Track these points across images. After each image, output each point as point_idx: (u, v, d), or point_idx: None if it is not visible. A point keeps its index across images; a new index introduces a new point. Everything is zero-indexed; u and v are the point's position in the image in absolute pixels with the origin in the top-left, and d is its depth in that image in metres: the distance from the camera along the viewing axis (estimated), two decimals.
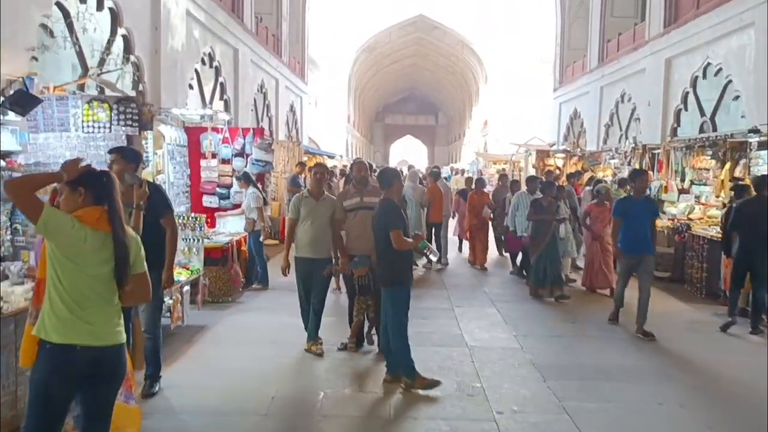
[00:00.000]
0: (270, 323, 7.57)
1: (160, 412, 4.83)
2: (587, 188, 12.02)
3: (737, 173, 10.18)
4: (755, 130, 9.77)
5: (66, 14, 8.68)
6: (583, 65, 24.03)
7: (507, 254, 12.28)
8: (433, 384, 5.34)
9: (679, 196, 12.02)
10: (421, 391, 5.28)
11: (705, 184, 11.71)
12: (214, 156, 10.49)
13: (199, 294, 7.52)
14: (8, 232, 5.77)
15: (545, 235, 9.07)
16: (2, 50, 6.57)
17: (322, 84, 33.46)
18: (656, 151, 13.46)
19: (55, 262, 2.92)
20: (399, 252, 5.32)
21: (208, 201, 10.43)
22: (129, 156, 5.04)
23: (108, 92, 9.15)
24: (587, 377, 5.84)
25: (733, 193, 8.60)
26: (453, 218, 13.88)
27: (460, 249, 14.01)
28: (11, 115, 6.04)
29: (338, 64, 36.15)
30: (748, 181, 8.89)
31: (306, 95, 27.46)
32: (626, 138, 19.19)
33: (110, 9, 9.96)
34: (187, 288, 6.97)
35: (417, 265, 10.94)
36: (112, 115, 6.90)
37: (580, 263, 10.73)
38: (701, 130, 14.29)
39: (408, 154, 66.48)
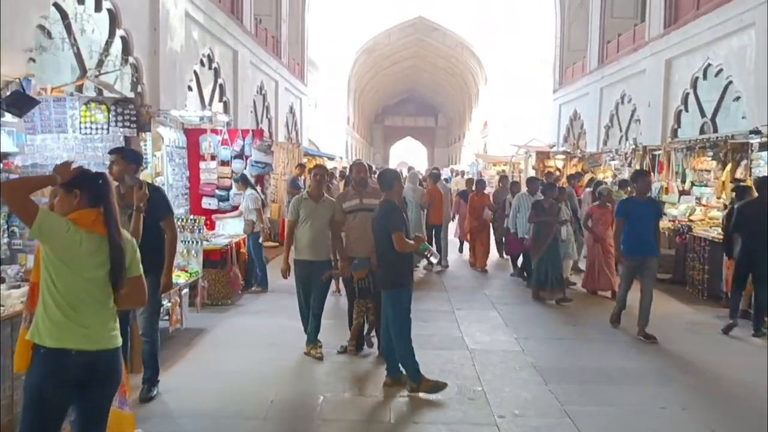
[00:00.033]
0: (269, 326, 7.53)
1: (158, 416, 4.79)
2: (587, 189, 11.99)
3: (738, 174, 10.14)
4: (756, 131, 9.73)
5: (64, 15, 8.64)
6: (583, 66, 24.00)
7: (507, 256, 12.23)
8: (439, 386, 5.29)
9: (679, 198, 11.99)
10: (422, 395, 5.24)
11: (706, 186, 11.68)
12: (213, 158, 10.43)
13: (198, 297, 7.49)
14: (5, 235, 5.74)
15: (547, 237, 9.02)
16: (0, 51, 6.54)
17: (321, 85, 33.45)
18: (657, 153, 13.43)
19: (49, 266, 2.88)
20: (400, 254, 5.28)
21: (207, 203, 10.38)
22: (129, 157, 5.01)
23: (106, 93, 9.11)
24: (589, 380, 5.80)
25: (734, 194, 8.56)
26: (453, 221, 13.85)
27: (460, 250, 13.97)
28: (8, 117, 5.99)
29: (338, 66, 36.12)
30: (749, 183, 8.86)
31: (306, 97, 27.43)
32: (626, 139, 19.18)
33: (108, 10, 9.92)
34: (185, 291, 6.95)
35: (418, 267, 10.91)
36: (110, 116, 6.85)
37: (582, 266, 10.67)
38: (702, 131, 14.26)
39: (408, 155, 66.45)
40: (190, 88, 13.60)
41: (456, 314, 8.24)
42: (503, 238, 12.16)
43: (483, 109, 40.30)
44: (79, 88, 8.71)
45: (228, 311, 8.11)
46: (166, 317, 6.40)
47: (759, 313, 7.41)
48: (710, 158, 11.32)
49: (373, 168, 19.64)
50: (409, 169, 18.78)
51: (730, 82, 13.23)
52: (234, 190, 10.13)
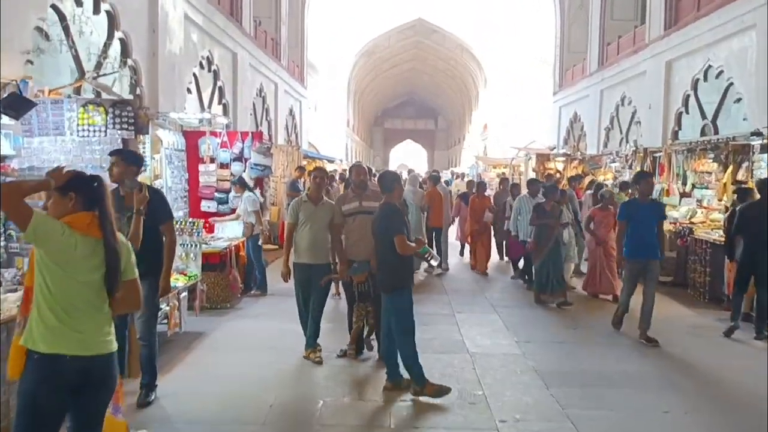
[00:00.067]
0: (269, 329, 7.49)
1: (156, 422, 4.74)
2: (588, 192, 11.95)
3: (740, 176, 10.10)
4: (757, 133, 9.70)
5: (62, 17, 8.60)
6: (583, 68, 23.95)
7: (507, 259, 12.18)
8: (443, 391, 5.23)
9: (680, 200, 11.95)
10: (423, 399, 5.19)
11: (707, 188, 11.64)
12: (212, 160, 10.39)
13: (197, 300, 7.44)
14: (2, 239, 5.69)
15: (548, 240, 8.96)
16: None
17: (321, 88, 33.44)
18: (657, 155, 13.40)
19: (43, 270, 2.83)
20: (401, 257, 5.24)
21: (207, 206, 10.33)
22: (129, 159, 4.97)
23: (104, 96, 9.07)
24: (590, 384, 5.75)
25: (736, 196, 8.52)
26: (453, 223, 13.79)
27: (461, 253, 13.92)
28: (5, 119, 5.95)
29: (337, 68, 36.11)
30: (751, 185, 8.82)
31: (305, 99, 27.41)
32: (627, 141, 19.13)
33: (107, 12, 9.88)
34: (184, 294, 6.90)
35: (418, 269, 10.87)
36: (108, 118, 6.80)
37: (584, 269, 10.60)
38: (703, 133, 14.21)
39: (408, 158, 66.42)
40: (189, 91, 13.56)
41: (456, 317, 8.19)
42: (504, 242, 12.11)
43: (483, 111, 40.27)
44: (78, 90, 8.67)
45: (227, 315, 8.07)
46: (165, 321, 6.37)
47: (761, 316, 7.36)
48: (711, 160, 11.28)
49: (373, 170, 19.60)
50: (409, 171, 18.74)
51: (731, 83, 13.18)
52: (233, 192, 10.08)
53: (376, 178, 8.53)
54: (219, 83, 15.79)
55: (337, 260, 6.34)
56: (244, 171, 10.29)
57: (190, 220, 8.07)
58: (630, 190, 10.75)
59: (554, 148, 23.90)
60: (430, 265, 11.16)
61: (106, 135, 6.80)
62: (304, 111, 27.03)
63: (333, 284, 7.47)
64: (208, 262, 8.05)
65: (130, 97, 10.28)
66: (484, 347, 6.85)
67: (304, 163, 16.67)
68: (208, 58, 14.86)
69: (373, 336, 6.33)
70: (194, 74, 13.97)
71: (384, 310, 5.54)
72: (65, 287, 2.85)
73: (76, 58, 9.13)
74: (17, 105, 5.93)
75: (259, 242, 9.32)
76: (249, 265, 9.34)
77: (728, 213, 8.32)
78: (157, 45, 11.34)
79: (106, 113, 6.84)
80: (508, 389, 5.55)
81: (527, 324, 7.98)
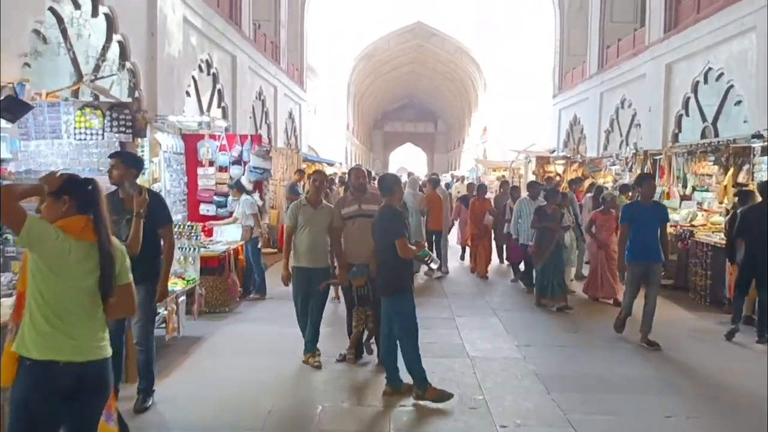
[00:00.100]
0: (268, 333, 7.45)
1: (153, 427, 4.70)
2: (588, 195, 11.91)
3: (740, 179, 10.08)
4: (758, 135, 9.67)
5: (60, 20, 8.57)
6: (583, 71, 23.94)
7: (507, 262, 12.12)
8: (445, 396, 5.18)
9: (681, 203, 11.91)
10: (423, 403, 5.14)
11: (707, 191, 11.61)
12: (211, 164, 10.36)
13: (195, 304, 7.39)
14: None
15: (550, 243, 8.91)
16: None
17: (321, 91, 33.43)
18: (658, 157, 13.36)
19: (36, 274, 2.79)
20: (401, 260, 5.21)
21: (205, 209, 10.29)
22: (129, 161, 4.94)
23: (102, 98, 9.03)
24: (592, 389, 5.70)
25: (737, 199, 8.48)
26: (453, 227, 13.74)
27: (462, 257, 13.85)
28: (2, 122, 5.91)
29: (337, 71, 36.13)
30: (752, 187, 8.78)
31: (305, 102, 27.38)
32: (627, 144, 19.11)
33: (105, 15, 9.84)
34: (182, 298, 6.84)
35: (418, 272, 10.83)
36: (105, 121, 6.76)
37: (585, 272, 10.55)
38: (703, 136, 14.18)
39: (407, 161, 66.33)
40: (188, 94, 13.53)
41: (456, 321, 8.14)
42: (504, 245, 12.05)
43: (482, 114, 40.28)
44: (75, 93, 8.64)
45: (226, 319, 8.03)
46: (163, 325, 6.31)
47: (762, 319, 7.32)
48: (712, 163, 11.26)
49: (372, 173, 19.57)
50: (409, 174, 18.70)
51: (731, 86, 13.16)
52: (231, 196, 10.04)
53: (375, 182, 8.49)
54: (218, 86, 15.76)
55: (336, 264, 6.29)
56: (244, 174, 10.25)
57: (189, 223, 8.03)
58: (630, 193, 10.71)
59: (554, 150, 23.87)
60: (430, 269, 11.15)
61: (103, 138, 6.77)
62: (303, 114, 27.00)
63: (332, 288, 7.43)
64: (206, 266, 8.00)
65: (129, 100, 10.24)
66: (484, 351, 6.81)
67: (304, 166, 16.64)
68: (207, 61, 14.83)
69: (373, 340, 6.29)
70: (193, 77, 13.94)
71: (384, 314, 5.50)
72: (59, 292, 2.80)
73: (74, 61, 9.10)
74: (14, 108, 5.89)
75: (259, 245, 9.28)
76: (248, 268, 9.29)
77: (729, 216, 8.29)
78: (155, 48, 11.31)
79: (104, 116, 6.80)
80: (508, 394, 5.50)
81: (528, 327, 7.93)
